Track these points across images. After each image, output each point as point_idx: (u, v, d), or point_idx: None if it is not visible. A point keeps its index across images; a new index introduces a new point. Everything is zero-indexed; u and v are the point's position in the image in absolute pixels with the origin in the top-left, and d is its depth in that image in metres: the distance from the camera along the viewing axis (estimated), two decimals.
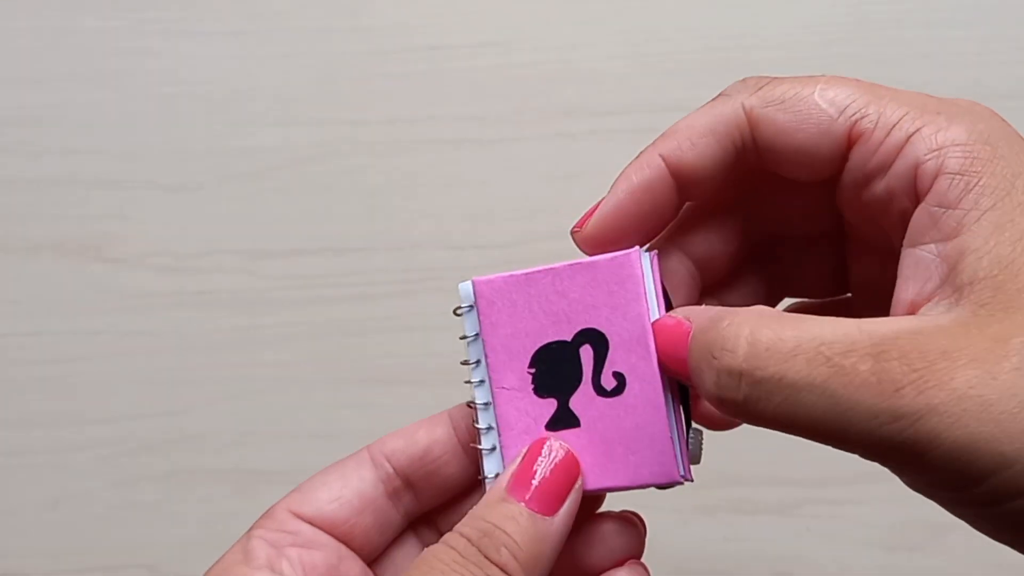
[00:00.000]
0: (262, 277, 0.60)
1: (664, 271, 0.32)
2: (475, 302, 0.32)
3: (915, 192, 0.28)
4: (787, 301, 0.36)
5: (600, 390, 0.31)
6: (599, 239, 0.31)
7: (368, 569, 0.34)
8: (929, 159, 0.27)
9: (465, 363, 0.33)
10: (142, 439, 0.60)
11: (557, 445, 0.31)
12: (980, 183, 0.27)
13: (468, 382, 0.33)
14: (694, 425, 0.32)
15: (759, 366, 0.26)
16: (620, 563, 0.32)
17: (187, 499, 0.60)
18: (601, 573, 0.32)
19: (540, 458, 0.31)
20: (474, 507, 0.31)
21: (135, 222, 0.61)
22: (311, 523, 0.33)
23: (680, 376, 0.30)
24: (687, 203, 0.33)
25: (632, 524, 0.33)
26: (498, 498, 0.30)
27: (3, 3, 0.63)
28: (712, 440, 0.63)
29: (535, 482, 0.30)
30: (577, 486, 0.31)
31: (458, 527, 0.30)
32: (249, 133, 0.62)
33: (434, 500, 0.34)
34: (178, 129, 0.62)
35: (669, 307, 0.31)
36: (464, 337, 0.33)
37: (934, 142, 0.28)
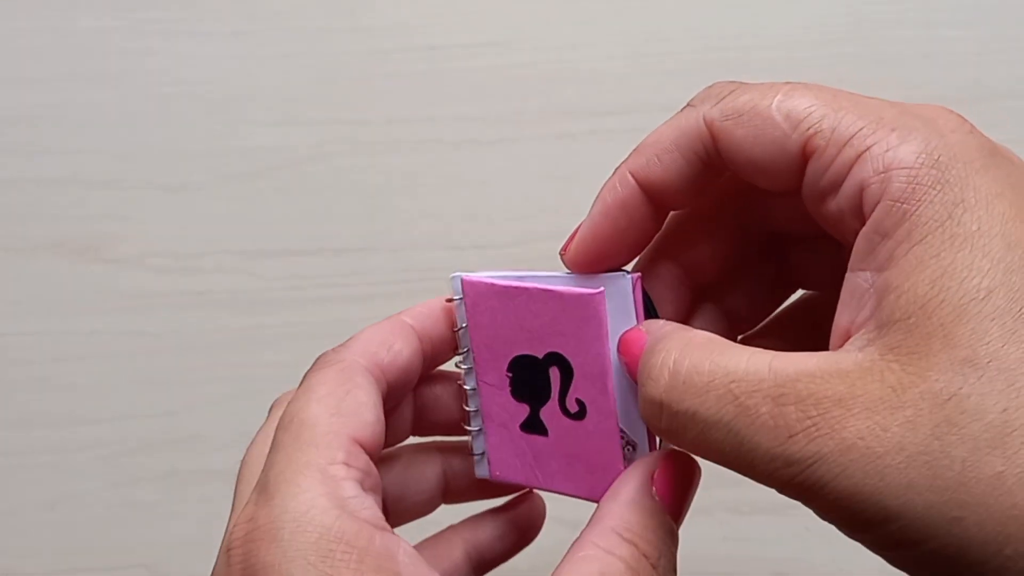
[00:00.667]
0: (262, 277, 0.60)
1: (653, 279, 0.33)
2: (463, 298, 0.33)
3: (861, 216, 0.27)
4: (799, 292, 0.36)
5: (564, 411, 0.32)
6: (583, 261, 0.31)
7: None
8: (874, 183, 0.26)
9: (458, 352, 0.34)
10: (141, 439, 0.60)
11: (679, 454, 0.31)
12: (916, 212, 0.26)
13: (459, 366, 0.34)
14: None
15: (675, 399, 0.27)
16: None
17: (186, 499, 0.60)
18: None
19: (678, 471, 0.31)
20: (629, 511, 0.30)
21: (135, 222, 0.61)
22: (370, 455, 0.30)
23: None
24: (672, 212, 0.33)
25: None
26: (655, 512, 0.30)
27: (3, 3, 0.63)
28: None
29: (679, 499, 0.31)
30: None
31: (632, 536, 0.30)
32: (249, 133, 0.62)
33: (392, 404, 0.34)
34: (178, 129, 0.62)
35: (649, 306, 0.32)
36: (456, 329, 0.34)
37: (880, 164, 0.26)
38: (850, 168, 0.27)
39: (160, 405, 0.61)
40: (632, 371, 0.30)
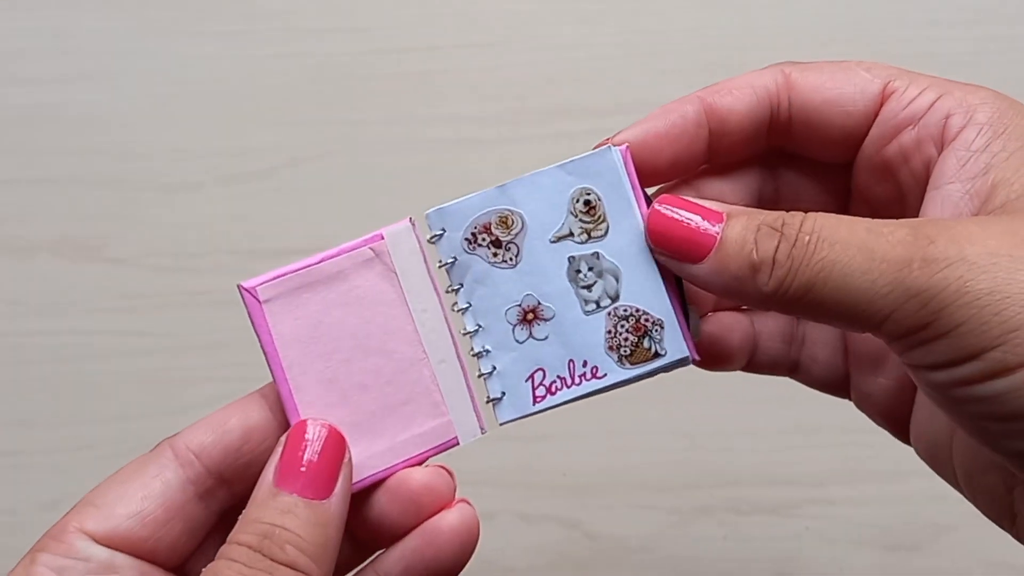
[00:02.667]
0: None
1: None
2: (442, 232, 0.33)
3: (942, 141, 0.30)
4: None
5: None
6: (628, 141, 0.32)
7: None
8: (958, 113, 0.30)
9: (451, 289, 0.33)
10: (142, 439, 0.60)
11: (318, 426, 0.30)
12: (1007, 131, 0.29)
13: (454, 308, 0.33)
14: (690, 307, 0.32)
15: (808, 253, 0.27)
16: (445, 506, 0.31)
17: None
18: (415, 526, 0.31)
19: (304, 443, 0.29)
20: (245, 511, 0.29)
21: (135, 222, 0.61)
22: (107, 545, 0.29)
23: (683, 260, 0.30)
24: (703, 166, 0.33)
25: (438, 473, 0.32)
26: (269, 495, 0.29)
27: (3, 3, 0.63)
28: (712, 440, 0.63)
29: (303, 468, 0.29)
30: (346, 460, 0.30)
31: (234, 536, 0.28)
32: (249, 133, 0.62)
33: (250, 488, 0.31)
34: (178, 129, 0.62)
35: (647, 200, 0.32)
36: (442, 264, 0.33)
37: (964, 100, 0.30)
38: (932, 104, 0.30)
39: (160, 405, 0.61)
40: (682, 242, 0.29)
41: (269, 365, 0.31)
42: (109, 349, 0.61)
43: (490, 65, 0.62)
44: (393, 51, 0.62)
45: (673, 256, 0.29)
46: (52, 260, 0.61)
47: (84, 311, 0.61)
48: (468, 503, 0.32)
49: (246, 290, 0.31)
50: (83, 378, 0.61)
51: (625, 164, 0.31)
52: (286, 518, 0.28)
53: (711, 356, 0.34)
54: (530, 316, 0.32)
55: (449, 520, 0.31)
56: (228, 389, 0.61)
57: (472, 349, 0.33)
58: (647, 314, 0.31)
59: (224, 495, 0.31)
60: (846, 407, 0.36)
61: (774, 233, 0.28)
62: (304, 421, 0.30)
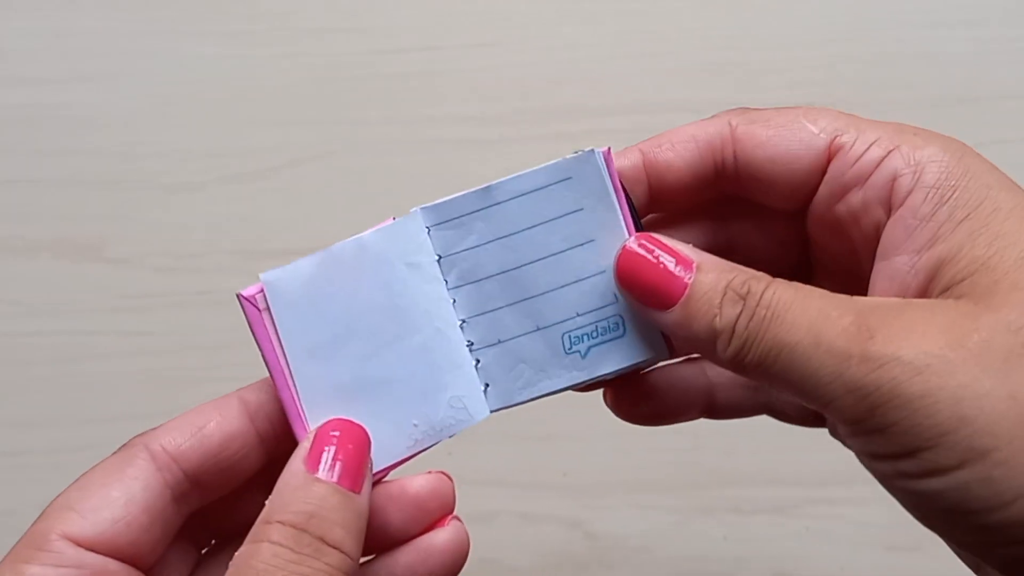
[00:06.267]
0: None
1: None
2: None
3: (890, 204, 0.29)
4: None
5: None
6: None
7: None
8: (906, 173, 0.29)
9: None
10: None
11: (348, 422, 0.30)
12: (954, 196, 0.28)
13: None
14: None
15: (758, 328, 0.27)
16: (439, 522, 0.31)
17: None
18: (419, 536, 0.31)
19: (335, 436, 0.29)
20: (273, 496, 0.28)
21: (135, 222, 0.61)
22: (95, 550, 0.29)
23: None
24: (652, 215, 0.33)
25: (440, 479, 0.31)
26: (305, 480, 0.28)
27: (3, 3, 0.63)
28: (711, 440, 0.63)
29: (337, 461, 0.29)
30: (370, 463, 0.30)
31: (270, 516, 0.27)
32: (249, 133, 0.62)
33: (219, 493, 0.31)
34: (178, 129, 0.62)
35: (631, 205, 0.31)
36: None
37: (912, 158, 0.29)
38: (879, 163, 0.29)
39: (160, 405, 0.60)
40: (652, 287, 0.29)
41: (271, 374, 0.31)
42: (109, 349, 0.61)
43: (491, 65, 0.62)
44: (394, 51, 0.62)
45: (640, 300, 0.29)
46: (52, 260, 0.61)
47: (84, 311, 0.61)
48: (459, 520, 0.31)
49: (246, 299, 0.31)
50: (83, 378, 0.61)
51: (609, 169, 0.31)
52: (327, 501, 0.28)
53: (655, 413, 0.34)
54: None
55: (443, 537, 0.31)
56: (228, 389, 0.61)
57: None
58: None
59: (196, 498, 0.31)
60: None
61: (738, 300, 0.28)
62: (334, 420, 0.30)
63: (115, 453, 0.31)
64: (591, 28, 0.62)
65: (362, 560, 0.30)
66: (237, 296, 0.31)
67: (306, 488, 0.28)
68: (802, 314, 0.27)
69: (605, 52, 0.61)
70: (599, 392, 0.34)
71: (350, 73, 0.62)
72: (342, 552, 0.27)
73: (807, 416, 0.35)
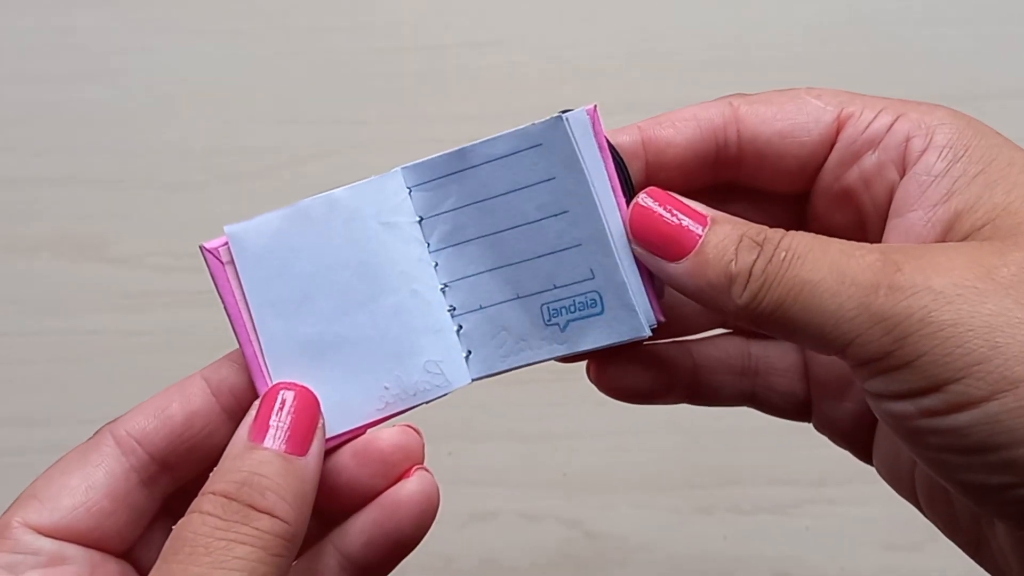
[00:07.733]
0: None
1: None
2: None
3: (904, 164, 0.29)
4: None
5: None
6: None
7: (126, 563, 0.31)
8: (918, 135, 0.29)
9: None
10: None
11: (293, 388, 0.29)
12: (967, 153, 0.28)
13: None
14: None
15: (778, 269, 0.27)
16: (405, 474, 0.30)
17: None
18: (386, 490, 0.30)
19: (278, 402, 0.29)
20: (218, 466, 0.28)
21: (135, 222, 0.61)
22: (54, 537, 0.29)
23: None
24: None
25: (405, 432, 0.31)
26: (245, 448, 0.28)
27: (3, 3, 0.63)
28: (711, 440, 0.63)
29: (279, 426, 0.29)
30: (320, 425, 0.29)
31: (208, 487, 0.28)
32: (249, 133, 0.62)
33: (194, 473, 0.31)
34: (178, 129, 0.62)
35: (623, 171, 0.31)
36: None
37: (922, 122, 0.29)
38: (890, 126, 0.30)
39: None
40: (656, 238, 0.29)
41: (234, 329, 0.31)
42: (109, 349, 0.61)
43: (491, 64, 0.62)
44: (394, 51, 0.62)
45: (652, 251, 0.29)
46: (52, 260, 0.61)
47: (84, 311, 0.61)
48: (427, 470, 0.31)
49: (209, 251, 0.31)
50: (83, 378, 0.61)
51: (595, 127, 0.30)
52: (263, 467, 0.28)
53: (637, 390, 0.33)
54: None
55: (408, 489, 0.30)
56: None
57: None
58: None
59: (167, 481, 0.31)
60: None
61: (754, 246, 0.27)
62: (278, 384, 0.30)
63: (77, 447, 0.31)
64: (591, 27, 0.62)
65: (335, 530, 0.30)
66: (200, 248, 0.31)
67: (243, 457, 0.28)
68: (823, 254, 0.27)
69: (605, 51, 0.61)
70: (598, 392, 0.34)
71: (351, 72, 0.62)
72: (273, 516, 0.27)
73: (791, 406, 0.34)
